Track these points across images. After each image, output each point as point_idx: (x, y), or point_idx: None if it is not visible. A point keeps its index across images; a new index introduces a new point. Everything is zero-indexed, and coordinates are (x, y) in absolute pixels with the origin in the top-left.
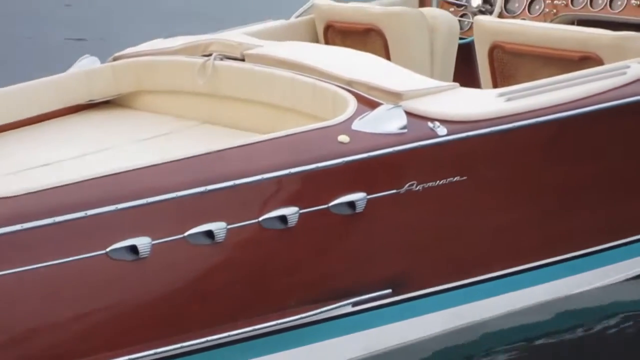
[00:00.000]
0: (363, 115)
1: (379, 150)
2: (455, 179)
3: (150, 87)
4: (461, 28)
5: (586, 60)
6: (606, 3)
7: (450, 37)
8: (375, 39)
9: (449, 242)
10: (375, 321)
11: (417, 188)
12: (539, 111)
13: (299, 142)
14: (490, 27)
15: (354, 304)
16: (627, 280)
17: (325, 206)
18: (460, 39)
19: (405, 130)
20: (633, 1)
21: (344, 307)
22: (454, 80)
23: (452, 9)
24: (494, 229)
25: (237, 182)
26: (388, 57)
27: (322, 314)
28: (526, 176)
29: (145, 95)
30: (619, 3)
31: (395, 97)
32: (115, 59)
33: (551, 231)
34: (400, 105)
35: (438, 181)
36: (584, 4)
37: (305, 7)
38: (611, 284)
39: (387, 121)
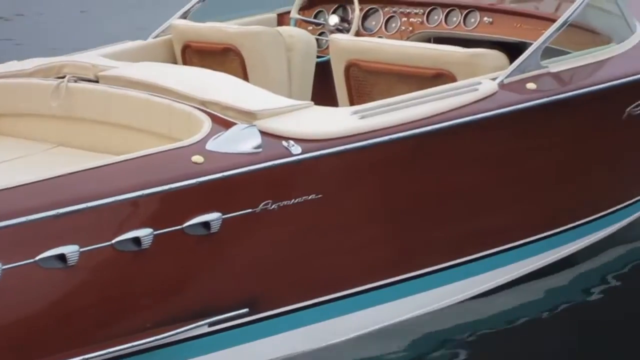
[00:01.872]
0: (217, 135)
1: (233, 170)
2: (311, 197)
3: (3, 110)
4: (319, 46)
5: (440, 77)
6: (460, 21)
7: (307, 56)
8: (233, 58)
9: (305, 260)
10: (232, 341)
11: (273, 207)
12: (393, 128)
13: (153, 163)
14: (345, 45)
15: (210, 324)
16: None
17: (180, 227)
18: (319, 57)
19: (260, 150)
20: (485, 19)
21: (200, 327)
22: (313, 98)
23: (310, 28)
24: (350, 246)
25: (90, 204)
26: (246, 77)
27: (178, 335)
28: (382, 193)
29: None
30: (473, 20)
31: (250, 116)
32: None
33: (409, 247)
34: (254, 125)
35: (293, 200)
36: (439, 21)
37: (162, 27)
38: (471, 298)
39: (242, 141)
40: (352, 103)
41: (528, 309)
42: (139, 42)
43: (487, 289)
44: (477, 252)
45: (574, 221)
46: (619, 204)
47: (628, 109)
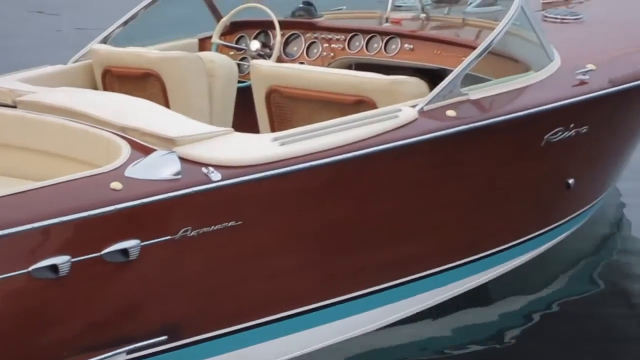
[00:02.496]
0: (137, 161)
1: (152, 196)
2: (231, 223)
3: None
4: (241, 71)
5: (360, 103)
6: (381, 47)
7: (228, 82)
8: (153, 83)
9: (225, 287)
10: None
11: (192, 234)
12: (313, 155)
13: (72, 189)
14: (266, 71)
15: (129, 352)
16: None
17: (98, 254)
18: (241, 82)
19: (179, 176)
20: (406, 45)
21: (119, 355)
22: (234, 123)
23: (231, 53)
24: (270, 273)
25: (7, 231)
26: (167, 102)
27: None
28: (302, 220)
29: None
30: (394, 47)
31: (169, 142)
32: None
33: (329, 273)
34: (174, 151)
35: (213, 226)
36: (360, 47)
37: (82, 51)
38: (391, 325)
39: (161, 167)
40: (273, 129)
41: (448, 336)
42: (58, 67)
43: (406, 315)
44: (396, 278)
45: (493, 248)
46: (537, 230)
47: (546, 137)
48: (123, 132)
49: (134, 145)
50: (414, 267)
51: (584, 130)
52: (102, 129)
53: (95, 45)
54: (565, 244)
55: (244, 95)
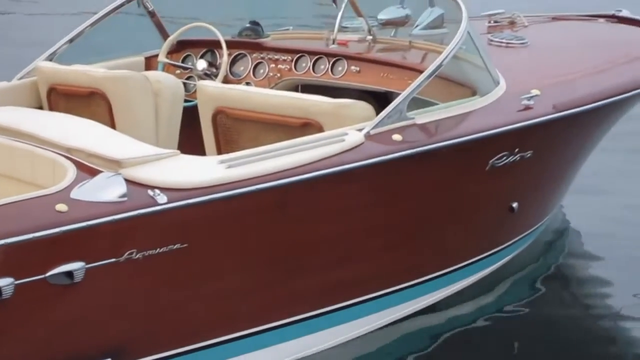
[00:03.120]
0: (82, 183)
1: (98, 219)
2: (176, 246)
3: None
4: (187, 90)
5: (307, 126)
6: (328, 69)
7: (174, 101)
8: (99, 102)
9: (170, 310)
10: None
11: (137, 256)
12: (259, 178)
13: (15, 211)
14: (213, 92)
15: None
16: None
17: (42, 276)
18: (187, 101)
19: (125, 199)
20: (353, 67)
21: None
22: (181, 143)
23: (178, 71)
24: (215, 296)
25: None
26: (113, 121)
27: None
28: (247, 243)
29: None
30: (340, 69)
31: (115, 164)
32: None
33: (273, 296)
34: (120, 173)
35: (158, 249)
36: (306, 68)
37: (27, 69)
38: (335, 346)
39: (107, 189)
40: (219, 150)
41: (397, 346)
42: (3, 84)
43: (352, 337)
44: (342, 301)
45: (439, 270)
46: (483, 253)
47: (491, 161)
48: (69, 153)
49: (79, 166)
50: (360, 289)
51: (528, 155)
52: (47, 149)
53: (40, 63)
54: (512, 261)
55: (190, 114)
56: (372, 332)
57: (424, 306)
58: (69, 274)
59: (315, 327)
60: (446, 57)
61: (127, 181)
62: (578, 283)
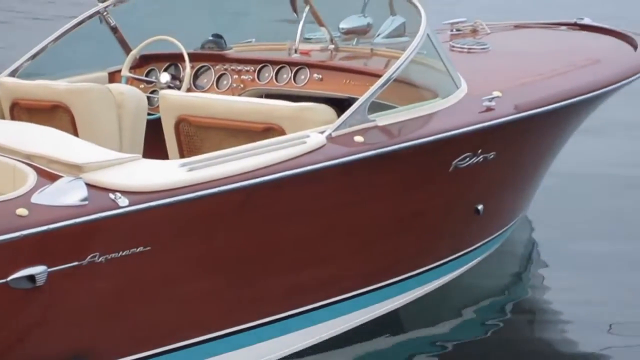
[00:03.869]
0: (43, 188)
1: (59, 222)
2: (139, 249)
3: None
4: (151, 104)
5: (269, 131)
6: (290, 77)
7: (137, 113)
8: (62, 115)
9: (135, 313)
10: None
11: (100, 259)
12: (221, 180)
13: None
14: (175, 101)
15: None
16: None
17: (4, 280)
18: (151, 114)
19: (86, 202)
20: (315, 75)
21: None
22: (145, 156)
23: (142, 86)
24: (180, 298)
25: None
26: (76, 134)
27: None
28: (210, 245)
29: None
30: (303, 77)
31: (76, 169)
32: None
33: (237, 299)
34: (80, 178)
35: (121, 252)
36: (269, 78)
37: None
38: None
39: (68, 193)
40: (182, 158)
41: None
42: None
43: (319, 340)
44: (306, 304)
45: (404, 273)
46: (449, 256)
47: (454, 162)
48: (29, 159)
49: (40, 172)
50: (323, 292)
51: (492, 156)
52: (7, 156)
53: (2, 78)
54: (477, 268)
55: (154, 128)
56: (341, 334)
57: (389, 310)
58: (31, 278)
59: (282, 330)
60: (405, 60)
61: (88, 185)
62: (541, 291)
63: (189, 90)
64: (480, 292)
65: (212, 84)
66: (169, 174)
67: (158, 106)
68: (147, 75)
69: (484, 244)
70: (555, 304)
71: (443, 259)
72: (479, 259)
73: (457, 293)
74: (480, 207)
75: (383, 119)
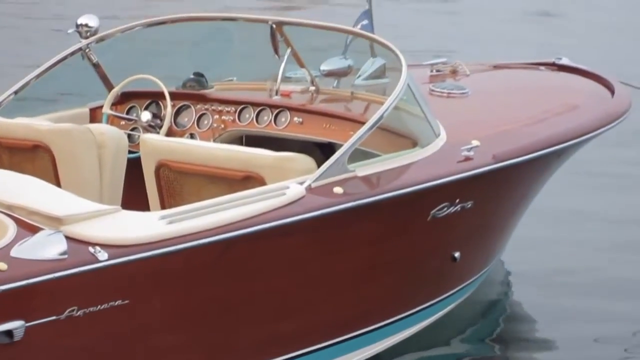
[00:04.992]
0: (23, 241)
1: (38, 277)
2: (117, 302)
3: None
4: (132, 141)
5: (249, 179)
6: (271, 120)
7: (118, 153)
8: (43, 155)
9: None
10: None
11: (79, 313)
12: (200, 233)
13: None
14: (155, 145)
15: None
16: None
17: None
18: (132, 152)
19: (66, 256)
20: (296, 119)
21: None
22: (125, 195)
23: (122, 123)
24: (158, 350)
25: None
26: (57, 174)
27: None
28: (189, 298)
29: None
30: (283, 120)
31: (56, 222)
32: None
33: (216, 350)
34: (60, 231)
35: (100, 306)
36: (250, 120)
37: None
38: None
39: (47, 247)
40: (162, 203)
41: None
42: None
43: None
44: (287, 353)
45: (382, 320)
46: (425, 302)
47: (432, 212)
48: (10, 210)
49: (20, 224)
50: (302, 341)
51: (469, 205)
52: None
53: None
54: (455, 309)
55: (135, 165)
56: None
57: (367, 357)
58: (9, 333)
59: None
60: (385, 110)
61: (68, 238)
62: (516, 333)
63: (169, 129)
64: (455, 333)
65: (193, 123)
66: (148, 226)
67: (138, 144)
68: (128, 113)
69: (460, 289)
70: (526, 342)
71: (419, 306)
72: (455, 303)
73: (430, 336)
74: (457, 254)
75: (362, 169)
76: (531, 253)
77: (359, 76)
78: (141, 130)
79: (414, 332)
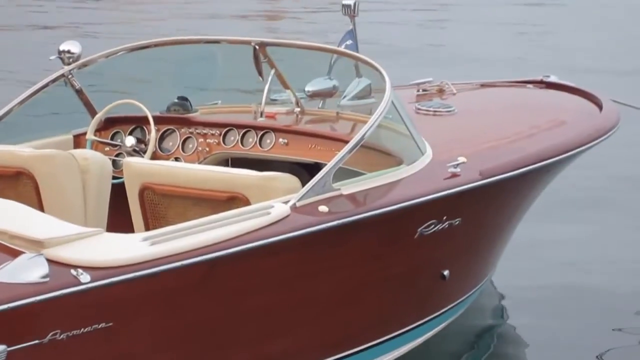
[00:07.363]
0: (4, 265)
1: (19, 301)
2: (101, 325)
3: None
4: (117, 167)
5: (233, 200)
6: (256, 142)
7: (101, 178)
8: (26, 182)
9: None
10: None
11: (62, 337)
12: (184, 254)
13: None
14: (139, 168)
15: None
16: None
17: None
18: (116, 178)
19: (47, 279)
20: (281, 140)
21: None
22: (110, 220)
23: (107, 148)
24: None
25: None
26: (40, 201)
27: None
28: (173, 320)
29: None
30: (268, 141)
31: (37, 245)
32: None
33: None
34: (41, 254)
35: (83, 329)
36: (235, 142)
37: None
38: None
39: (28, 270)
40: (147, 226)
41: None
42: None
43: None
44: None
45: (371, 340)
46: (415, 321)
47: (419, 229)
48: None
49: (1, 248)
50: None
51: (457, 222)
52: None
53: None
54: (446, 330)
55: (120, 191)
56: None
57: None
58: None
59: None
60: (369, 127)
61: (50, 261)
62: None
63: (154, 154)
64: (446, 353)
65: (178, 147)
66: (131, 248)
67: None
68: (112, 138)
69: (450, 308)
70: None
71: (409, 325)
72: (445, 323)
73: (421, 356)
74: (446, 272)
75: (348, 187)
76: (523, 275)
77: (345, 96)
78: (126, 155)
79: (403, 352)
